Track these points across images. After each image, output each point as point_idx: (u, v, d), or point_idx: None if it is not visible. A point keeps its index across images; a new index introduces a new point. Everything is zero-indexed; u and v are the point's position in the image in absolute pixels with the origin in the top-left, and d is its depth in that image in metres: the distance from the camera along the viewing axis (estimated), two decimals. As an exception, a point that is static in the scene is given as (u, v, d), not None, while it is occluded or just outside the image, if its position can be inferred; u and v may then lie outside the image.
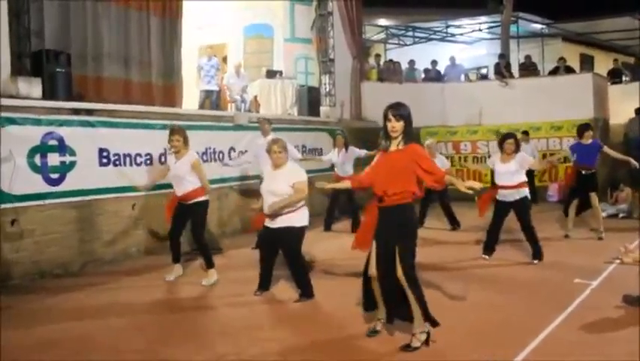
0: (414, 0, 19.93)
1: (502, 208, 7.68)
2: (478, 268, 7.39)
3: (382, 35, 21.02)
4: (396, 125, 4.54)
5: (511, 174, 7.50)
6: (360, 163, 10.12)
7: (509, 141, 7.53)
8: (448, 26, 20.70)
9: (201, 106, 11.86)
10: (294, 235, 5.94)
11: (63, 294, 6.53)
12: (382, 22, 20.20)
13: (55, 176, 7.50)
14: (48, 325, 5.41)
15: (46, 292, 6.64)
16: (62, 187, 7.57)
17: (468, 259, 7.84)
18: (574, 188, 9.30)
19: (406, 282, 4.47)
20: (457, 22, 20.30)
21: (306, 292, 6.06)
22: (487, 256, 7.86)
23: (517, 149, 7.58)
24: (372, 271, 4.64)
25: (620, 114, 16.12)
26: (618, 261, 7.11)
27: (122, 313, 5.78)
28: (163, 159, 8.91)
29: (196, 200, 6.76)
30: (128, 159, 8.47)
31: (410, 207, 4.62)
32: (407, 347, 4.50)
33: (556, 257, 7.77)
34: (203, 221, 7.02)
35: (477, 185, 4.51)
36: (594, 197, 9.00)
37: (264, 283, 6.32)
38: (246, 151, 10.19)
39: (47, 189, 7.40)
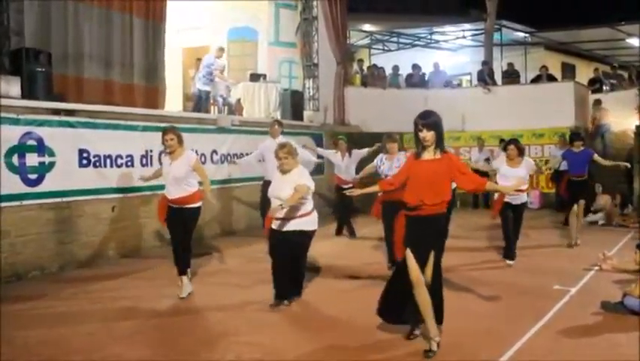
0: (399, 6, 20.00)
1: (508, 211, 7.76)
2: (459, 273, 7.38)
3: (367, 41, 21.08)
4: (427, 135, 4.48)
5: (519, 179, 7.54)
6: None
7: (510, 146, 7.78)
8: (432, 33, 20.85)
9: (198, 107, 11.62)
10: (305, 238, 5.89)
11: (38, 298, 6.41)
12: (367, 27, 20.25)
13: (33, 176, 7.39)
14: (22, 330, 5.30)
15: (19, 295, 6.50)
16: (40, 188, 7.46)
17: (450, 265, 7.83)
18: (567, 197, 9.25)
19: (438, 287, 4.61)
20: (441, 29, 20.43)
21: (296, 291, 6.10)
22: (511, 262, 7.82)
23: (520, 153, 7.77)
24: (418, 277, 4.46)
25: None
26: (597, 268, 7.16)
27: (98, 318, 5.68)
28: (144, 161, 8.88)
29: (191, 205, 6.30)
30: (108, 160, 8.38)
31: (445, 217, 4.69)
32: (429, 352, 4.49)
33: (537, 263, 7.83)
34: (194, 227, 6.52)
35: (523, 185, 4.72)
36: (581, 205, 9.04)
37: (282, 292, 5.94)
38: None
39: (25, 189, 7.28)
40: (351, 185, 9.14)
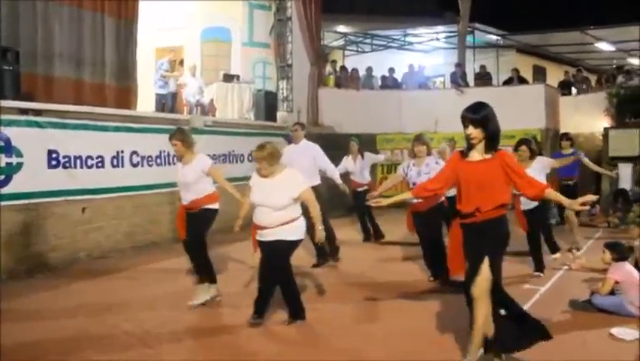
0: (373, 8, 20.12)
1: (528, 217, 7.01)
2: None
3: (341, 42, 21.15)
4: (473, 132, 3.91)
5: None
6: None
7: (522, 147, 7.10)
8: (406, 35, 21.01)
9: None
10: (282, 249, 5.15)
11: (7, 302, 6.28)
12: (341, 28, 20.34)
13: (0, 178, 7.24)
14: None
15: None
16: (8, 189, 7.30)
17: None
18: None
19: (493, 299, 3.99)
20: (415, 31, 20.60)
21: (296, 313, 5.34)
22: (541, 274, 7.09)
23: (532, 155, 7.09)
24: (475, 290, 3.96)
25: (570, 125, 16.53)
26: (566, 267, 7.29)
27: (72, 322, 5.58)
28: (115, 162, 8.78)
29: (205, 207, 5.90)
30: (78, 161, 8.25)
31: (505, 219, 4.06)
32: None
33: (507, 263, 7.86)
34: (205, 229, 5.98)
35: (592, 197, 3.94)
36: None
37: (261, 307, 5.30)
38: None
39: (-8, 191, 7.14)
40: (366, 187, 8.97)
